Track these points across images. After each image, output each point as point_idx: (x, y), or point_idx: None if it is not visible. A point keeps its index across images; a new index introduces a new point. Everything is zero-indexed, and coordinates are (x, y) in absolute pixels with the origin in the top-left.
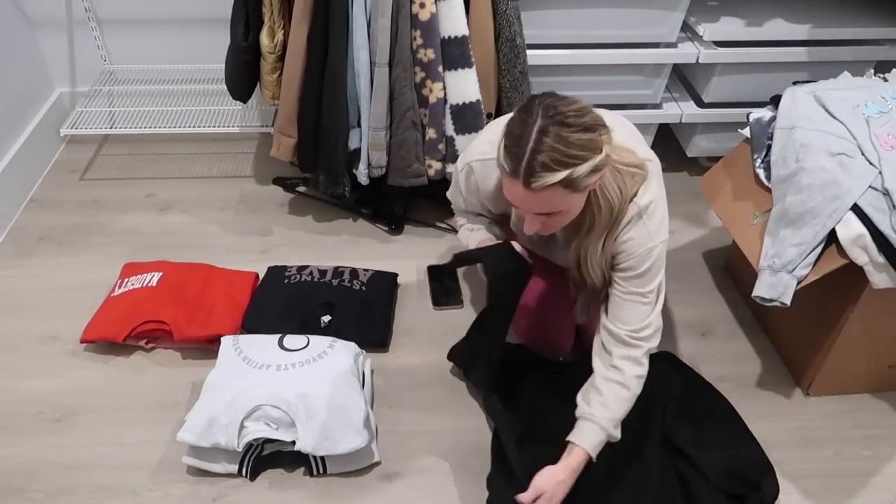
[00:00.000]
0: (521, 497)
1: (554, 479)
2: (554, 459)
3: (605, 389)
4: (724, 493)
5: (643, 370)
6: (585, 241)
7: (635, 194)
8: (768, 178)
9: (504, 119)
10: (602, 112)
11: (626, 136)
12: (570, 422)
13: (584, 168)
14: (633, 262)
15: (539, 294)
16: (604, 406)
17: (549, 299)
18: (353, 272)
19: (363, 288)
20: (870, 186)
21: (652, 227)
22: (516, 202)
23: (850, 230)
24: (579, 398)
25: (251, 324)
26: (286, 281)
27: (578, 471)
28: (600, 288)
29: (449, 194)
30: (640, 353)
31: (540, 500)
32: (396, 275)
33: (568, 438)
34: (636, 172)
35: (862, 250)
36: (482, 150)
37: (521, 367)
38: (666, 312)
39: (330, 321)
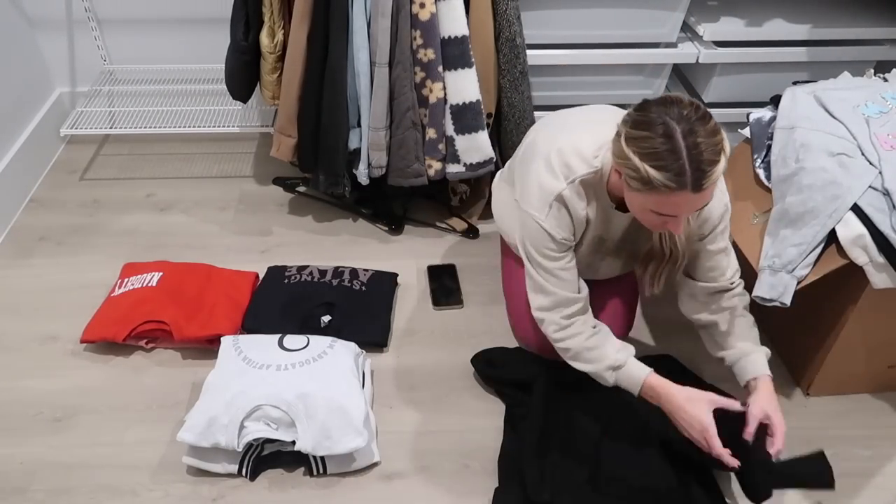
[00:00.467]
0: (748, 430)
1: (770, 406)
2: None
3: (733, 327)
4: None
5: (748, 298)
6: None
7: None
8: (768, 178)
9: (544, 145)
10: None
11: None
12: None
13: (728, 147)
14: (716, 220)
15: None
16: (743, 338)
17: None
18: (353, 272)
19: (363, 288)
20: (870, 186)
21: (721, 186)
22: (679, 210)
23: (850, 230)
24: (719, 352)
25: (251, 324)
26: (286, 281)
27: (771, 390)
28: (680, 259)
29: (534, 273)
30: (741, 288)
31: (772, 426)
32: (396, 275)
33: (747, 379)
34: None
35: (862, 250)
36: (554, 183)
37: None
38: (666, 312)
39: (330, 321)
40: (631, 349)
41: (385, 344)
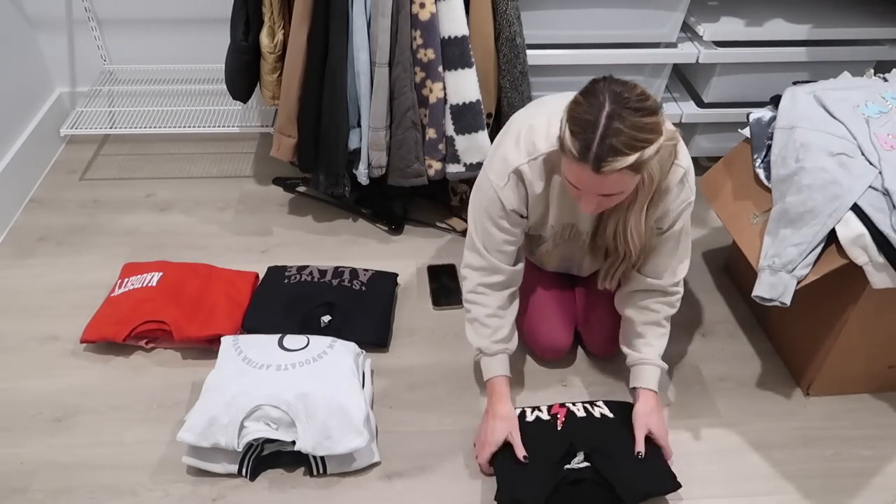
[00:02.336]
0: (639, 444)
1: (648, 416)
2: None
3: (646, 332)
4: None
5: (674, 310)
6: (627, 215)
7: (672, 163)
8: (768, 177)
9: (520, 122)
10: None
11: None
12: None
13: (650, 150)
14: (674, 219)
15: (541, 295)
16: (649, 346)
17: (551, 300)
18: (353, 272)
19: (363, 288)
20: (870, 186)
21: (691, 184)
22: (581, 185)
23: (850, 230)
24: (625, 348)
25: (251, 324)
26: (286, 281)
27: (658, 407)
28: (635, 258)
29: (474, 232)
30: (676, 298)
31: (654, 436)
32: (396, 275)
33: (631, 385)
34: (669, 145)
35: (862, 250)
36: (516, 157)
37: None
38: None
39: (330, 321)
40: (509, 348)
41: (385, 344)
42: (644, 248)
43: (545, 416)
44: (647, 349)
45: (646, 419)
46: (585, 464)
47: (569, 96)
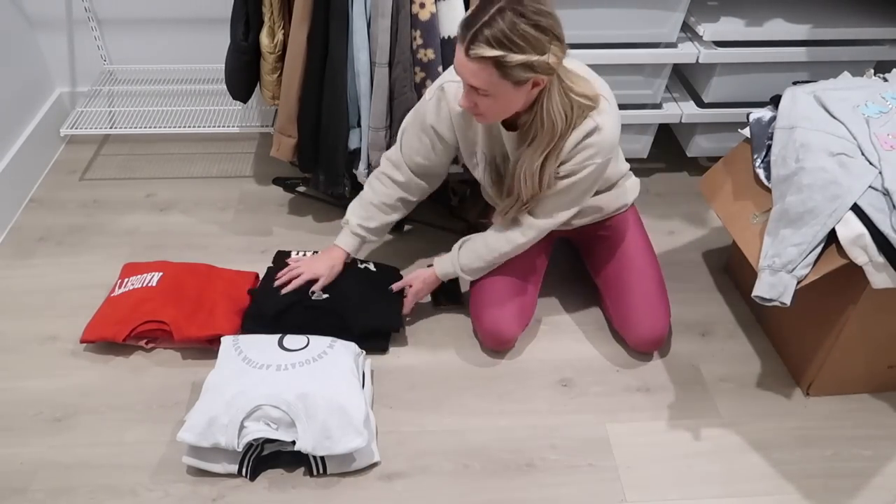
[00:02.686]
0: (397, 284)
1: (418, 275)
2: None
3: (475, 240)
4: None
5: (525, 239)
6: (525, 153)
7: (586, 119)
8: (768, 177)
9: None
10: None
11: (585, 73)
12: None
13: (517, 58)
14: (570, 170)
15: (495, 279)
16: (467, 252)
17: (504, 285)
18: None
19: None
20: (870, 186)
21: (602, 143)
22: (456, 67)
23: (850, 230)
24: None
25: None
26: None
27: (430, 283)
28: (525, 201)
29: (403, 129)
30: (533, 232)
31: (408, 284)
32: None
33: (434, 260)
34: (585, 104)
35: (862, 250)
36: (446, 75)
37: None
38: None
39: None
40: (366, 238)
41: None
42: (536, 196)
43: None
44: (460, 253)
45: (414, 275)
46: (325, 296)
47: None
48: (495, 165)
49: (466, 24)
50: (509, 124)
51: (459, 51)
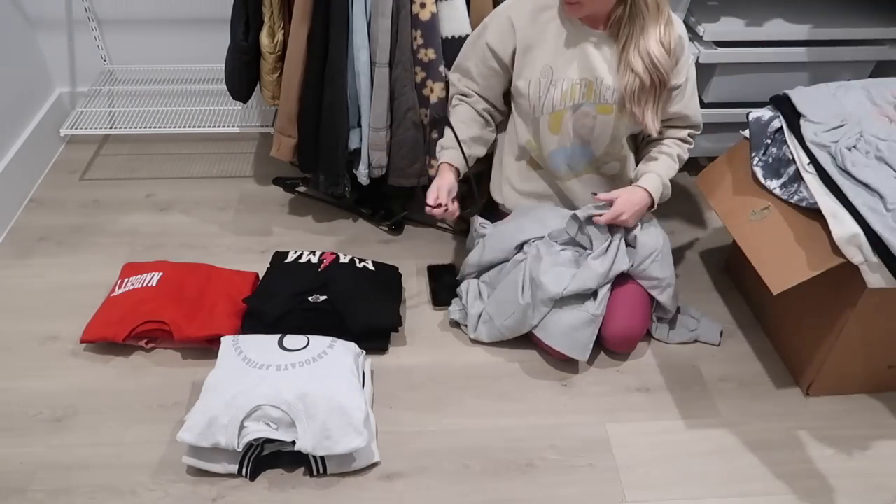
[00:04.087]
0: (600, 207)
1: (622, 193)
2: None
3: (660, 157)
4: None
5: (687, 155)
6: (640, 38)
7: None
8: (765, 176)
9: None
10: None
11: None
12: None
13: None
14: (679, 54)
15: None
16: (660, 164)
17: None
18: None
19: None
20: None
21: (679, 26)
22: None
23: (845, 229)
24: (639, 167)
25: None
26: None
27: (640, 202)
28: (640, 85)
29: (461, 56)
30: (690, 146)
31: (614, 203)
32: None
33: (636, 184)
34: None
35: (857, 249)
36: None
37: None
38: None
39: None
40: (464, 150)
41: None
42: (648, 75)
43: (315, 259)
44: (655, 165)
45: (619, 192)
46: (324, 297)
47: None
48: (579, 95)
49: None
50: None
51: None
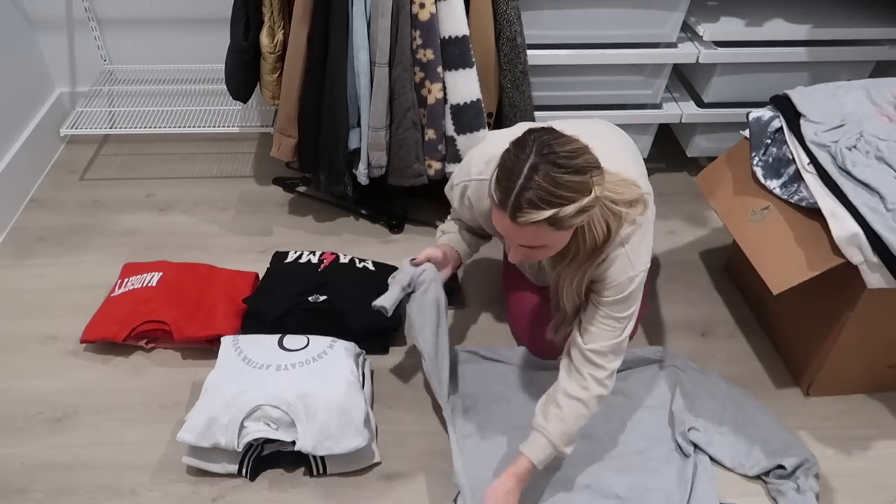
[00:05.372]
0: None
1: (503, 488)
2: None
3: (564, 405)
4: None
5: (606, 391)
6: (566, 270)
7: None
8: (765, 176)
9: (504, 134)
10: (614, 139)
11: (633, 166)
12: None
13: (570, 209)
14: (613, 289)
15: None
16: (561, 421)
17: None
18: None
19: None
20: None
21: (633, 256)
22: (503, 232)
23: (845, 229)
24: (537, 409)
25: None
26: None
27: (524, 479)
28: (572, 315)
29: (447, 191)
30: (605, 374)
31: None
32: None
33: (519, 448)
34: (627, 212)
35: (857, 249)
36: (479, 169)
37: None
38: (666, 312)
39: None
40: (461, 242)
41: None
42: (577, 310)
43: (315, 259)
44: (556, 423)
45: (504, 497)
46: (324, 297)
47: (567, 124)
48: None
49: (503, 189)
50: None
51: (502, 216)
